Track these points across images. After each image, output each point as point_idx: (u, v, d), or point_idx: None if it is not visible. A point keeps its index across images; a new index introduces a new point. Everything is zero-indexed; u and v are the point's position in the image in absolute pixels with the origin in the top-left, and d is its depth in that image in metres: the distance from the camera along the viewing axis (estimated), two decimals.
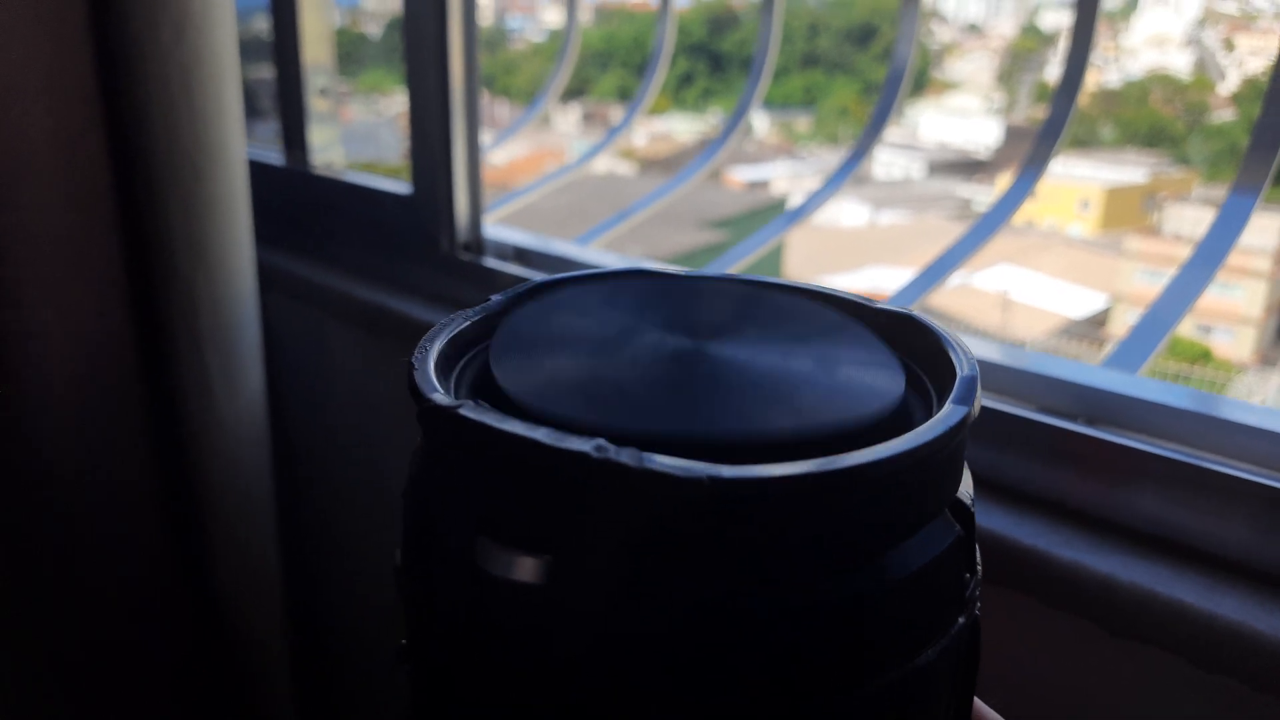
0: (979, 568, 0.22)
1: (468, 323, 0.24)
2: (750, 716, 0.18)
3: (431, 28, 0.78)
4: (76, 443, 0.74)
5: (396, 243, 0.89)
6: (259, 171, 0.92)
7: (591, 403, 0.20)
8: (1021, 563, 0.49)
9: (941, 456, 0.19)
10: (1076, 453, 0.52)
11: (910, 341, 0.24)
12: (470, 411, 0.18)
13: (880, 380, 0.21)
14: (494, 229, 0.85)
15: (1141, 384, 0.53)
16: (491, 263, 0.82)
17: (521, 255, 0.83)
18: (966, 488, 0.21)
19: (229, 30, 0.72)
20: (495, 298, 0.25)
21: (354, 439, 0.95)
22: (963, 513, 0.21)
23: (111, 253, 0.70)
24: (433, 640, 0.21)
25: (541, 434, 0.17)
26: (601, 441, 0.17)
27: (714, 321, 0.24)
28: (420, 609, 0.21)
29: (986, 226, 0.72)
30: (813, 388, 0.21)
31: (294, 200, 1.01)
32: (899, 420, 0.20)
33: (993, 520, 0.51)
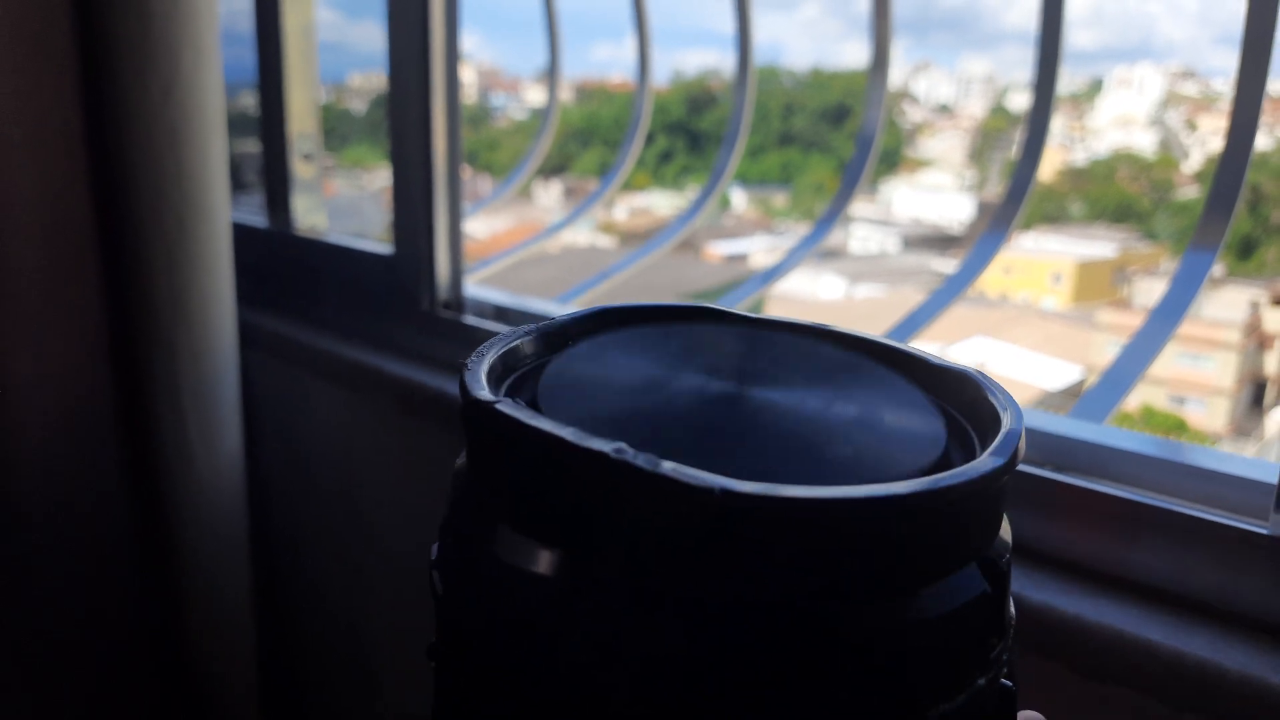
0: (1010, 631, 0.21)
1: (520, 340, 0.24)
2: None
3: (416, 86, 0.81)
4: (51, 494, 0.74)
5: (377, 301, 0.90)
6: (243, 233, 0.93)
7: (625, 439, 0.20)
8: None
9: (968, 506, 0.19)
10: (1045, 499, 0.52)
11: (967, 398, 0.24)
12: (506, 408, 0.19)
13: (920, 436, 0.21)
14: (474, 288, 0.87)
15: (1107, 432, 0.54)
16: (471, 320, 0.83)
17: (501, 313, 0.84)
18: (1002, 547, 0.21)
19: (217, 92, 0.74)
20: (557, 318, 0.26)
21: (333, 494, 0.95)
22: (993, 571, 0.20)
23: (93, 306, 0.70)
24: (456, 629, 0.21)
25: (568, 433, 0.18)
26: (622, 445, 0.17)
27: (761, 367, 0.24)
28: (448, 600, 0.21)
29: (950, 291, 0.74)
30: (850, 439, 0.21)
31: (277, 261, 1.02)
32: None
33: None
